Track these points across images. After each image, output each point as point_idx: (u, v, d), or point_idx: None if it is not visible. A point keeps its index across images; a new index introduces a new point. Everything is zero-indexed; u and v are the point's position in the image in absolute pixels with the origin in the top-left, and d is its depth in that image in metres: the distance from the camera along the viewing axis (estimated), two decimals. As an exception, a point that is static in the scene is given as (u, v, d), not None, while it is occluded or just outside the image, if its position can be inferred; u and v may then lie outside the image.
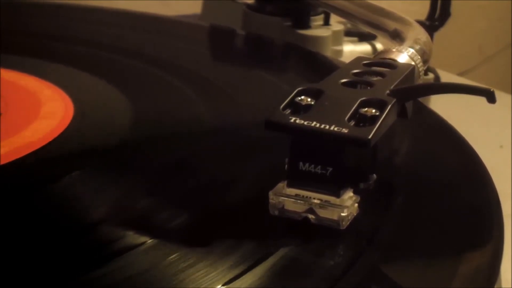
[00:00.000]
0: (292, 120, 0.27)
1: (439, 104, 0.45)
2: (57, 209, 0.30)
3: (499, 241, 0.29)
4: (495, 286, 0.27)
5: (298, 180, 0.28)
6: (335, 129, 0.26)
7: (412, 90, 0.30)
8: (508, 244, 0.30)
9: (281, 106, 0.28)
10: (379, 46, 0.60)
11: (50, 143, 0.35)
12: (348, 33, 0.60)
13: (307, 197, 0.28)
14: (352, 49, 0.59)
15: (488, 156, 0.37)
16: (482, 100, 0.28)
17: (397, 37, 0.38)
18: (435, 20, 0.55)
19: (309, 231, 0.28)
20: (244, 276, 0.26)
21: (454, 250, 0.29)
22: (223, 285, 0.25)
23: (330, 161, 0.27)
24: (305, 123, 0.27)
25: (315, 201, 0.28)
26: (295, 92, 0.29)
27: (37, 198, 0.31)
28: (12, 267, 0.26)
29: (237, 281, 0.26)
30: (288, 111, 0.28)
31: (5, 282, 0.25)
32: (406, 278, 0.27)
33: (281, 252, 0.27)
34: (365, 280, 0.27)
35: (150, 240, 0.28)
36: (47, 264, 0.27)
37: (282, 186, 0.28)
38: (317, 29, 0.57)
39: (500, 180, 0.35)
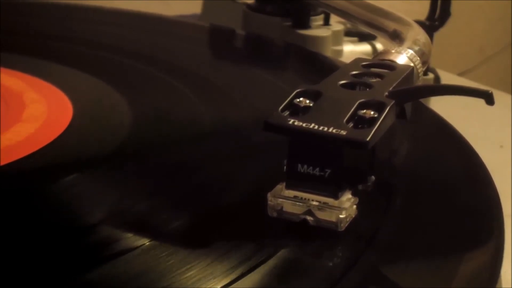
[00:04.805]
0: (290, 122, 0.27)
1: (439, 104, 0.45)
2: (56, 211, 0.30)
3: (499, 241, 0.29)
4: (495, 286, 0.27)
5: (297, 182, 0.28)
6: (334, 131, 0.26)
7: (411, 92, 0.30)
8: (508, 244, 0.30)
9: (280, 108, 0.28)
10: (379, 46, 0.60)
11: (49, 144, 0.35)
12: (348, 33, 0.60)
13: (305, 199, 0.28)
14: (352, 49, 0.59)
15: (488, 156, 0.37)
16: (482, 100, 0.28)
17: (396, 38, 0.38)
18: (435, 20, 0.54)
19: (307, 233, 0.28)
20: (243, 278, 0.26)
21: (454, 250, 0.29)
22: (222, 287, 0.25)
23: (328, 163, 0.27)
24: (304, 125, 0.27)
25: (314, 203, 0.28)
26: (293, 93, 0.29)
27: (36, 200, 0.31)
28: (11, 268, 0.26)
29: (236, 283, 0.26)
30: (286, 113, 0.28)
31: (4, 283, 0.26)
32: (406, 279, 0.27)
33: (279, 254, 0.27)
34: (364, 281, 0.27)
35: (149, 242, 0.28)
36: (46, 266, 0.27)
37: (280, 188, 0.28)
38: (317, 29, 0.57)
39: (500, 180, 0.34)
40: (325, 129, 0.27)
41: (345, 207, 0.28)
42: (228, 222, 0.30)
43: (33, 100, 0.41)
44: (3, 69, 0.44)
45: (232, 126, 0.39)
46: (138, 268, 0.26)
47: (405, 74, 0.32)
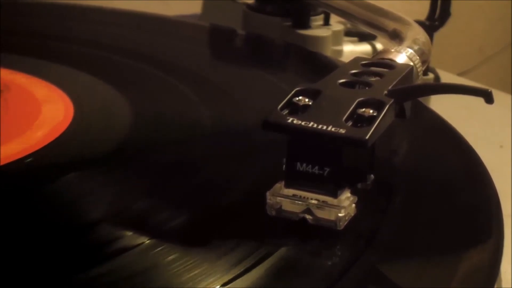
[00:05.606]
0: (289, 121, 0.27)
1: (439, 104, 0.45)
2: (57, 210, 0.30)
3: (499, 241, 0.29)
4: (495, 286, 0.27)
5: (296, 180, 0.28)
6: (333, 129, 0.26)
7: (410, 91, 0.30)
8: (508, 244, 0.30)
9: (279, 106, 0.28)
10: (379, 46, 0.59)
11: (49, 144, 0.35)
12: (348, 33, 0.60)
13: (304, 197, 0.28)
14: (352, 49, 0.59)
15: (488, 156, 0.37)
16: (482, 100, 0.28)
17: (396, 37, 0.38)
18: (435, 20, 0.54)
19: (306, 232, 0.28)
20: (242, 277, 0.26)
21: (454, 250, 0.29)
22: (221, 286, 0.25)
23: (327, 161, 0.27)
24: (303, 123, 0.27)
25: (313, 201, 0.28)
26: (293, 92, 0.29)
27: (36, 199, 0.31)
28: (11, 268, 0.26)
29: (235, 281, 0.26)
30: (286, 112, 0.28)
31: (5, 282, 0.25)
32: (405, 278, 0.27)
33: (278, 253, 0.27)
34: (363, 280, 0.27)
35: (148, 240, 0.28)
36: (46, 265, 0.27)
37: (279, 186, 0.28)
38: (317, 29, 0.57)
39: (500, 180, 0.34)
40: (324, 127, 0.27)
41: (344, 205, 0.28)
42: (227, 221, 0.30)
43: (49, 99, 0.41)
44: (8, 70, 0.44)
45: (232, 125, 0.39)
46: (137, 267, 0.26)
47: (404, 73, 0.32)
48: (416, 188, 0.33)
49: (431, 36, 0.51)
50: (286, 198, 0.28)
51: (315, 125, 0.27)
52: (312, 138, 0.27)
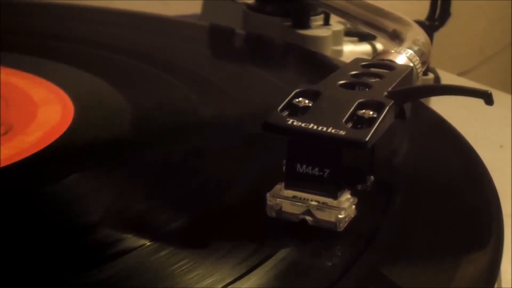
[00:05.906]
0: (289, 122, 0.27)
1: (439, 104, 0.45)
2: (56, 211, 0.30)
3: (499, 241, 0.29)
4: (495, 286, 0.27)
5: (296, 182, 0.28)
6: (332, 131, 0.26)
7: (410, 92, 0.30)
8: (508, 244, 0.30)
9: (279, 108, 0.28)
10: (379, 46, 0.60)
11: (50, 145, 0.35)
12: (348, 33, 0.60)
13: (304, 199, 0.28)
14: (352, 49, 0.59)
15: (488, 156, 0.37)
16: (481, 100, 0.28)
17: (396, 38, 0.38)
18: (435, 20, 0.54)
19: (306, 233, 0.28)
20: (243, 278, 0.26)
21: (454, 250, 0.29)
22: (222, 287, 0.25)
23: (327, 163, 0.27)
24: (303, 125, 0.27)
25: (313, 203, 0.28)
26: (293, 93, 0.29)
27: (36, 200, 0.31)
28: (11, 268, 0.26)
29: (236, 283, 0.26)
30: (285, 113, 0.28)
31: (4, 283, 0.26)
32: (405, 278, 0.27)
33: (279, 254, 0.27)
34: (364, 281, 0.27)
35: (148, 242, 0.28)
36: (46, 266, 0.27)
37: (279, 188, 0.28)
38: (317, 29, 0.57)
39: (500, 180, 0.34)
40: (324, 129, 0.27)
41: (344, 207, 0.28)
42: (228, 223, 0.30)
43: (49, 99, 0.41)
44: (8, 69, 0.44)
45: (232, 126, 0.39)
46: (137, 269, 0.26)
47: (404, 74, 0.32)
48: (416, 188, 0.33)
49: (431, 36, 0.51)
50: (286, 200, 0.28)
51: (315, 127, 0.27)
52: (312, 140, 0.27)
